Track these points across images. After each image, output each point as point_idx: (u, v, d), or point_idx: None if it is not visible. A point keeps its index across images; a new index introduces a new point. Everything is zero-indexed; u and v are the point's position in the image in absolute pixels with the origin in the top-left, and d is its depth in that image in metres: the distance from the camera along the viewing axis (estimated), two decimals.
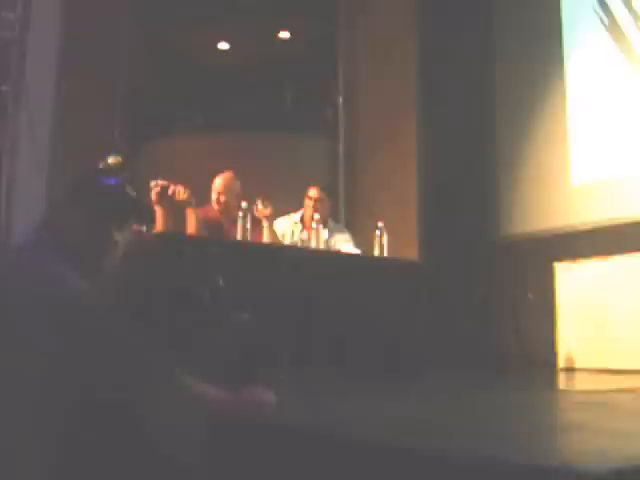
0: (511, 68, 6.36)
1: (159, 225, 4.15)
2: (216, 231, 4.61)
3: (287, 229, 5.10)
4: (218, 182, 4.82)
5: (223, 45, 7.12)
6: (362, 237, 5.36)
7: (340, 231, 5.30)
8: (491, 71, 6.44)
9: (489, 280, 5.95)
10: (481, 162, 6.29)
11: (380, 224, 4.92)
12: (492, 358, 5.44)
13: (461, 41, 6.27)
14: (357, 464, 1.66)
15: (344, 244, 5.08)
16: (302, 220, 5.15)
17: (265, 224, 4.70)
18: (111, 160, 4.54)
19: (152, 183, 4.25)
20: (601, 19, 5.82)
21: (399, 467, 1.57)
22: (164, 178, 4.76)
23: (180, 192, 4.24)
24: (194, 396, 1.70)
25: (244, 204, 4.43)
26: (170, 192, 4.21)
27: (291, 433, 1.78)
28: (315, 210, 5.00)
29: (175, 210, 4.21)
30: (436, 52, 6.38)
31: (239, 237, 4.30)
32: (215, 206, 4.78)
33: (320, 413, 2.08)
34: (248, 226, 4.32)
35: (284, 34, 7.16)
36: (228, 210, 4.73)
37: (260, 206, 4.64)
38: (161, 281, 1.83)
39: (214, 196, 4.79)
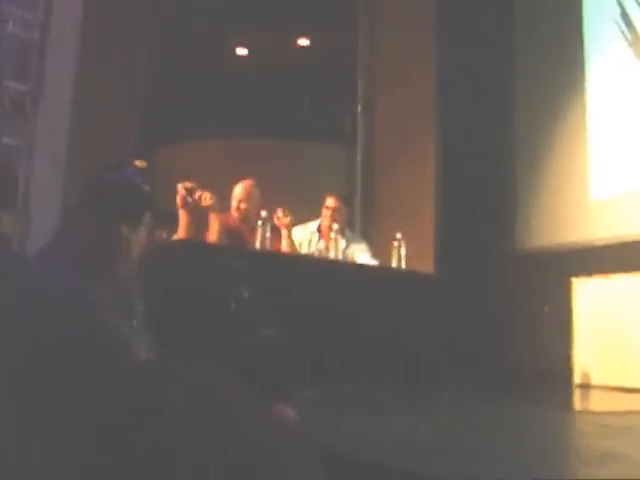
0: (532, 81, 6.32)
1: (182, 231, 4.11)
2: (235, 239, 4.57)
3: (304, 238, 5.07)
4: (239, 190, 4.78)
5: (241, 50, 7.11)
6: (378, 248, 5.33)
7: (357, 241, 5.26)
8: (511, 84, 6.41)
9: (505, 293, 5.91)
10: (499, 175, 6.26)
11: (399, 235, 4.88)
12: (507, 372, 5.39)
13: (481, 53, 6.23)
14: None
15: (361, 254, 5.04)
16: (319, 229, 5.12)
17: (284, 232, 4.68)
18: (138, 163, 4.54)
19: (179, 186, 4.22)
20: (622, 31, 5.79)
21: None
22: (176, 183, 4.76)
23: (206, 197, 4.21)
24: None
25: (264, 213, 4.40)
26: (197, 196, 4.18)
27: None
28: (333, 220, 4.96)
29: (198, 216, 4.16)
30: (455, 65, 6.34)
31: (258, 245, 4.27)
32: (235, 214, 4.73)
33: (342, 433, 2.05)
34: (268, 235, 4.29)
35: (303, 41, 7.14)
36: (248, 218, 4.69)
37: (280, 214, 4.61)
38: (183, 290, 1.79)
39: (234, 203, 4.75)
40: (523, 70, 6.43)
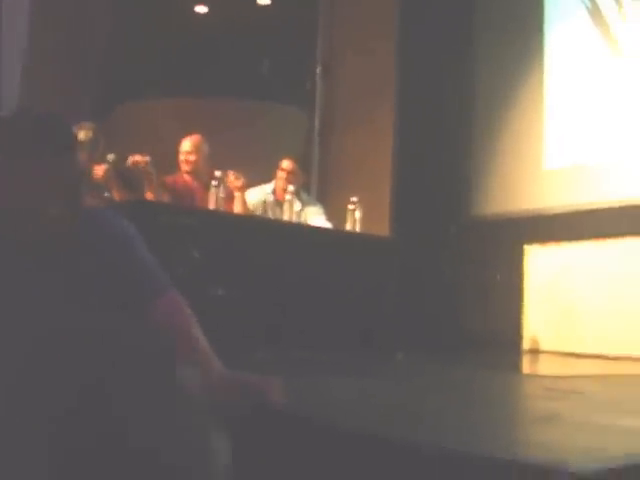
0: (490, 48, 6.31)
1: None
2: (187, 199, 4.54)
3: (259, 200, 5.04)
4: (186, 143, 4.77)
5: (201, 8, 6.97)
6: (334, 211, 5.32)
7: (312, 204, 5.26)
8: (470, 51, 6.40)
9: (459, 259, 5.95)
10: (456, 142, 6.27)
11: (354, 199, 4.89)
12: (458, 337, 5.46)
13: (441, 21, 6.19)
14: (325, 448, 1.64)
15: (316, 217, 5.04)
16: (274, 192, 5.10)
17: (237, 195, 4.66)
18: (82, 135, 4.46)
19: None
20: (583, 1, 5.80)
21: (359, 454, 1.55)
22: (131, 142, 4.72)
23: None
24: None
25: (218, 173, 4.38)
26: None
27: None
28: (288, 182, 4.94)
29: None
30: (415, 30, 6.31)
31: (212, 206, 4.25)
32: (184, 167, 4.71)
33: (298, 396, 2.05)
34: (222, 195, 4.28)
35: (264, 0, 7.03)
36: (198, 172, 4.68)
37: (232, 177, 4.58)
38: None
39: (182, 157, 4.72)
40: (482, 37, 6.41)
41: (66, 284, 1.64)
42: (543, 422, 1.85)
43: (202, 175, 4.67)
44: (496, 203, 6.07)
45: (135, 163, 4.27)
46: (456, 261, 5.96)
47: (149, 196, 4.30)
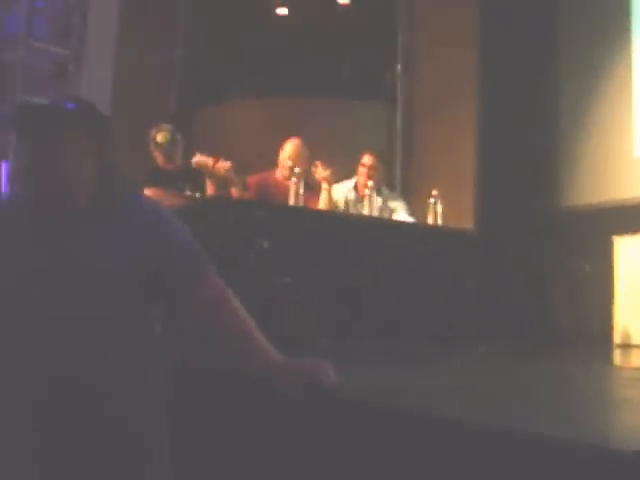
0: (576, 35, 6.15)
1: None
2: (279, 197, 4.64)
3: (341, 195, 5.08)
4: (289, 147, 4.88)
5: (282, 10, 7.07)
6: (417, 206, 5.30)
7: (394, 199, 5.26)
8: (555, 38, 6.25)
9: (546, 251, 5.82)
10: (542, 132, 6.13)
11: (434, 192, 4.87)
12: (546, 331, 5.34)
13: (524, 10, 6.08)
14: (391, 432, 1.65)
15: (398, 211, 5.03)
16: (356, 187, 5.13)
17: (324, 186, 4.74)
18: (159, 138, 4.63)
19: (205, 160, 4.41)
20: None
21: (442, 438, 1.55)
22: (219, 143, 4.86)
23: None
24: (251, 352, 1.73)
25: (297, 169, 4.46)
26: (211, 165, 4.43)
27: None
28: (368, 177, 4.96)
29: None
30: (498, 20, 6.21)
31: (292, 202, 4.32)
32: (284, 172, 4.80)
33: (359, 381, 2.06)
34: (301, 191, 4.35)
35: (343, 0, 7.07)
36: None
37: (320, 168, 4.68)
38: (206, 244, 1.83)
39: (285, 162, 4.82)
40: (567, 28, 6.26)
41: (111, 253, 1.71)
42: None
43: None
44: (585, 193, 5.91)
45: (218, 168, 4.43)
46: (544, 253, 5.83)
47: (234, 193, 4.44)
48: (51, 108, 1.79)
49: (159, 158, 4.67)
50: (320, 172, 4.69)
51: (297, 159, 4.78)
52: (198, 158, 4.50)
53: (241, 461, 1.85)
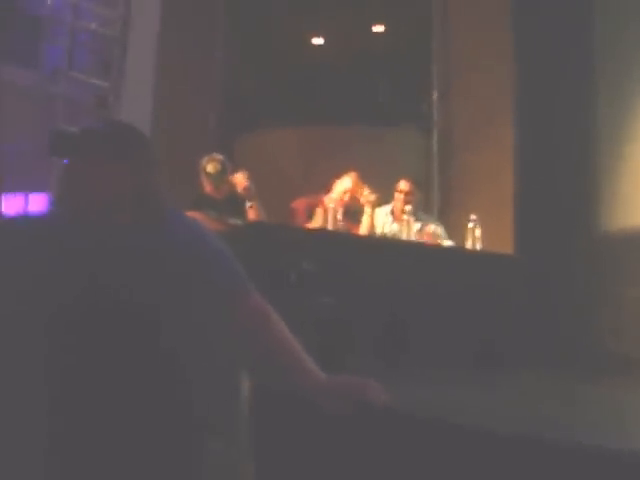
0: (615, 56, 6.10)
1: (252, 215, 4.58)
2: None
3: (379, 221, 5.09)
4: (348, 181, 4.97)
5: (317, 40, 7.15)
6: (455, 230, 5.27)
7: (431, 223, 5.24)
8: (592, 60, 6.21)
9: (589, 276, 5.74)
10: (581, 154, 6.08)
11: (473, 216, 4.84)
12: (592, 356, 5.23)
13: (559, 37, 6.06)
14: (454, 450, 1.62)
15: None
16: (392, 212, 5.13)
17: (367, 211, 4.80)
18: (210, 168, 4.74)
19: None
20: None
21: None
22: (257, 170, 4.95)
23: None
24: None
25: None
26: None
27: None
28: (405, 202, 4.98)
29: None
30: (533, 48, 6.19)
31: (330, 227, 4.37)
32: (340, 204, 4.87)
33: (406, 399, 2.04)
34: (339, 217, 4.40)
35: (378, 28, 7.11)
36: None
37: (366, 192, 4.76)
38: (248, 266, 1.83)
39: (342, 195, 4.92)
40: (605, 48, 6.21)
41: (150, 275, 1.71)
42: None
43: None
44: (626, 216, 5.82)
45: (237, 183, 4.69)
46: (586, 278, 5.74)
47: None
48: (84, 130, 1.82)
49: (208, 187, 4.76)
50: (367, 196, 4.77)
51: (355, 192, 4.89)
52: (238, 176, 4.66)
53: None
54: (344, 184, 4.96)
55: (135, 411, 1.60)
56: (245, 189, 4.74)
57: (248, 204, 4.75)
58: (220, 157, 4.90)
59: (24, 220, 1.89)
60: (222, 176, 4.76)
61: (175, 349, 1.66)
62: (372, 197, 4.81)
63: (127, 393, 1.61)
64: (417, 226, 4.88)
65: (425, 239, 4.76)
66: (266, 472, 1.81)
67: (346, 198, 4.89)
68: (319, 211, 4.73)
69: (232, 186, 4.81)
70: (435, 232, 4.99)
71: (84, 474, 1.58)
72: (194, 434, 1.64)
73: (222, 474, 1.64)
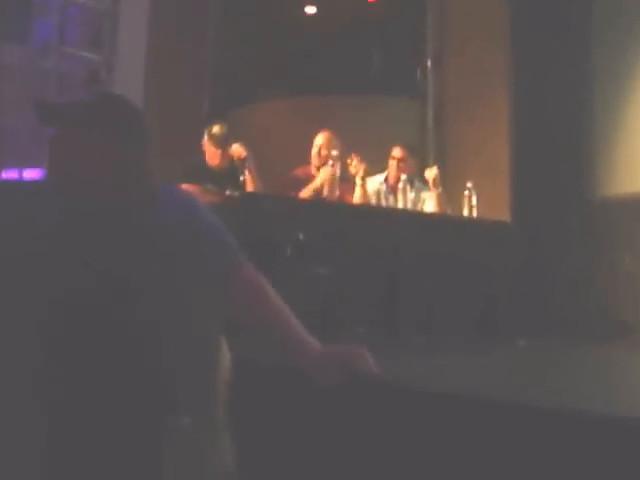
0: (610, 24, 6.05)
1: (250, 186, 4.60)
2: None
3: (373, 190, 5.07)
4: (319, 137, 4.97)
5: (310, 9, 7.08)
6: (451, 198, 5.26)
7: (426, 191, 5.22)
8: (589, 28, 6.16)
9: (584, 242, 5.74)
10: (577, 120, 6.04)
11: (469, 184, 4.84)
12: (586, 323, 5.25)
13: (556, 6, 6.00)
14: (446, 417, 1.63)
15: (430, 204, 5.00)
16: (387, 180, 5.11)
17: (359, 181, 4.77)
18: (215, 129, 4.74)
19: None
20: None
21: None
22: (251, 143, 4.94)
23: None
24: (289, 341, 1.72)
25: (335, 152, 4.57)
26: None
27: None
28: (399, 170, 4.96)
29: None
30: (530, 12, 6.13)
31: (327, 188, 4.40)
32: (315, 161, 4.87)
33: (400, 367, 2.05)
34: (338, 173, 4.43)
35: None
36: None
37: (355, 162, 4.73)
38: (244, 237, 1.83)
39: (315, 150, 4.90)
40: (602, 16, 6.16)
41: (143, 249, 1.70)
42: None
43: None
44: (623, 182, 5.81)
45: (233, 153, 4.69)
46: (582, 244, 5.75)
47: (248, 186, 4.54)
48: (72, 101, 1.81)
49: (212, 152, 4.74)
50: (356, 165, 4.73)
51: (327, 147, 4.85)
52: (235, 147, 4.66)
53: (282, 449, 1.85)
54: (315, 141, 4.98)
55: (107, 387, 1.61)
56: (243, 159, 4.72)
57: (245, 175, 4.75)
58: (223, 122, 4.93)
59: (10, 187, 1.87)
60: (228, 139, 4.78)
61: (157, 324, 1.66)
62: (361, 166, 4.76)
63: (103, 368, 1.61)
64: (412, 194, 4.87)
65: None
66: (249, 451, 1.83)
67: (322, 154, 4.87)
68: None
69: (230, 157, 4.80)
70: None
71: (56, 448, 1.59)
72: (163, 410, 1.64)
73: (193, 452, 1.65)
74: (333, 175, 4.41)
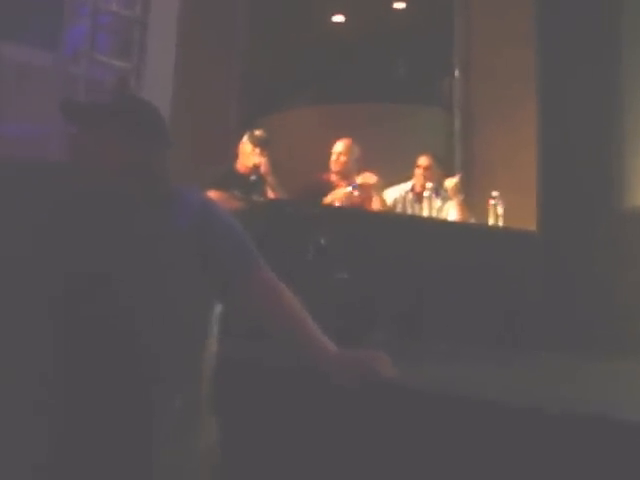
0: (638, 33, 6.00)
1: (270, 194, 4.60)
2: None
3: (398, 198, 5.07)
4: (339, 144, 4.98)
5: (338, 17, 7.11)
6: (478, 207, 5.25)
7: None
8: (618, 34, 6.11)
9: (612, 252, 5.67)
10: (606, 128, 5.98)
11: (495, 193, 4.82)
12: (612, 336, 5.18)
13: (584, 15, 5.96)
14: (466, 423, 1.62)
15: (453, 212, 4.99)
16: (413, 189, 5.11)
17: (374, 195, 4.76)
18: (257, 132, 4.78)
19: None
20: None
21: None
22: (279, 150, 4.97)
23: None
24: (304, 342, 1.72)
25: (359, 179, 4.58)
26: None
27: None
28: (425, 178, 4.96)
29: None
30: (557, 18, 6.10)
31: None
32: (333, 167, 4.90)
33: (420, 373, 2.04)
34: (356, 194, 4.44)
35: (399, 4, 7.06)
36: (346, 173, 4.85)
37: (360, 180, 4.73)
38: (267, 242, 1.84)
39: (334, 157, 4.93)
40: (631, 23, 6.11)
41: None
42: None
43: (351, 176, 4.85)
44: None
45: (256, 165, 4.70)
46: (610, 255, 5.68)
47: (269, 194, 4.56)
48: (96, 102, 1.85)
49: (245, 154, 4.75)
50: (366, 177, 4.74)
51: (346, 154, 4.87)
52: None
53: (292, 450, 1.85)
54: (334, 148, 5.02)
55: (101, 370, 1.63)
56: (265, 174, 4.73)
57: (269, 182, 4.77)
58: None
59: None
60: (269, 141, 4.80)
61: (146, 312, 1.67)
62: (371, 180, 4.76)
63: (95, 350, 1.63)
64: (439, 203, 4.86)
65: None
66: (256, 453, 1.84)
67: (342, 160, 4.90)
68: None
69: (257, 165, 4.82)
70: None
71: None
72: (153, 389, 1.66)
73: (182, 431, 1.67)
74: (347, 199, 4.46)
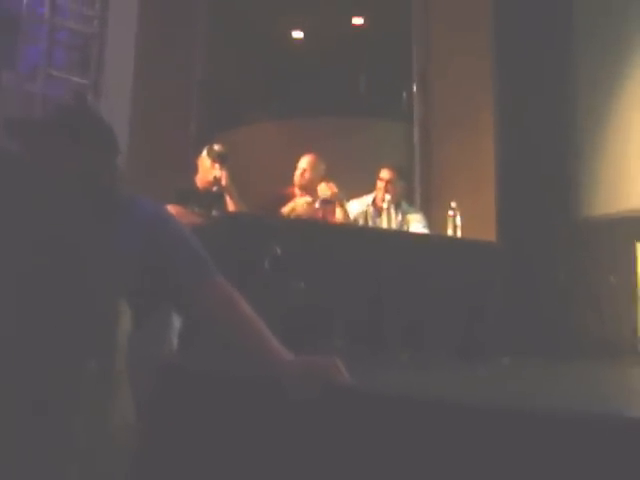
0: (593, 42, 6.12)
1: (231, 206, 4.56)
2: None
3: (360, 211, 5.09)
4: (303, 160, 4.98)
5: (297, 34, 7.15)
6: (437, 219, 5.29)
7: (413, 212, 5.25)
8: (572, 45, 6.23)
9: (569, 262, 5.76)
10: (561, 142, 6.10)
11: (453, 204, 4.85)
12: (571, 342, 5.26)
13: (538, 17, 6.08)
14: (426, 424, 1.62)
15: (415, 224, 5.03)
16: (374, 202, 5.13)
17: (337, 206, 4.77)
18: (217, 147, 4.75)
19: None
20: None
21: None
22: (239, 165, 4.96)
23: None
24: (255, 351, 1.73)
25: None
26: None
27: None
28: (386, 191, 4.98)
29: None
30: (513, 31, 6.20)
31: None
32: (297, 182, 4.91)
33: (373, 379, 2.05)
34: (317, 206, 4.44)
35: (358, 20, 7.13)
36: (309, 188, 4.86)
37: (322, 186, 4.75)
38: (225, 254, 1.84)
39: (298, 172, 4.93)
40: (584, 32, 6.23)
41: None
42: None
43: (314, 191, 4.87)
44: (606, 202, 5.85)
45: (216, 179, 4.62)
46: (567, 264, 5.77)
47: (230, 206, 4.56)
48: (36, 116, 1.87)
49: (204, 168, 4.71)
50: (323, 190, 4.74)
51: (310, 170, 4.88)
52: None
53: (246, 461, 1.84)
54: (299, 164, 5.03)
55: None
56: (225, 187, 4.71)
57: (227, 197, 4.76)
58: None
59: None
60: (228, 157, 4.76)
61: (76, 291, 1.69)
62: (328, 193, 4.77)
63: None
64: (399, 216, 4.89)
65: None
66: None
67: (306, 176, 4.93)
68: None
69: (217, 178, 4.78)
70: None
71: None
72: (69, 352, 1.67)
73: (98, 397, 1.68)
74: (307, 211, 4.48)
